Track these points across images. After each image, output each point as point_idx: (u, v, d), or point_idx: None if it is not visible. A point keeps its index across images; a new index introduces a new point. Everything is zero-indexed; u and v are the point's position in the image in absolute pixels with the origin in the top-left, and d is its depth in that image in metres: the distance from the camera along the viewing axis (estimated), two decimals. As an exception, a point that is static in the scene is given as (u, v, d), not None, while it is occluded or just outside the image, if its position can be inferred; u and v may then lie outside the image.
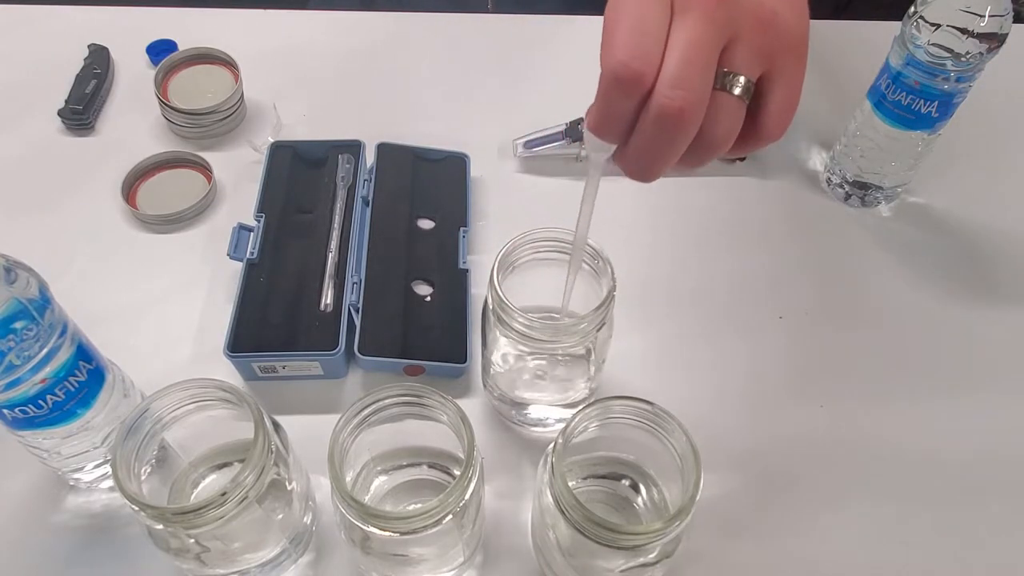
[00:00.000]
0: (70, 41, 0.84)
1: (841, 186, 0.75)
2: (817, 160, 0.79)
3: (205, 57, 0.82)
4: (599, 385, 0.60)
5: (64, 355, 0.48)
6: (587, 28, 0.91)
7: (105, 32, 0.87)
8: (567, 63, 0.87)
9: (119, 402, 0.54)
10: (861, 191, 0.74)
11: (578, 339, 0.52)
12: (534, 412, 0.60)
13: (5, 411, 0.48)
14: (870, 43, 0.76)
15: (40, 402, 0.48)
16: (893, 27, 0.71)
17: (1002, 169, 0.79)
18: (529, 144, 0.77)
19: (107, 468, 0.55)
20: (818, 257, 0.72)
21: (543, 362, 0.58)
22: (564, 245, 0.54)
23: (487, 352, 0.58)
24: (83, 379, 0.50)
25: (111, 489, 0.57)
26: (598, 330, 0.52)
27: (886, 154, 0.70)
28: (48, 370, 0.47)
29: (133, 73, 0.84)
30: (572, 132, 0.76)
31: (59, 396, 0.48)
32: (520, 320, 0.50)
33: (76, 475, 0.56)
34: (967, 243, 0.74)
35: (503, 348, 0.55)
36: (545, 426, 0.61)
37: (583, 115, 0.72)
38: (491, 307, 0.53)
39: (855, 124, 0.72)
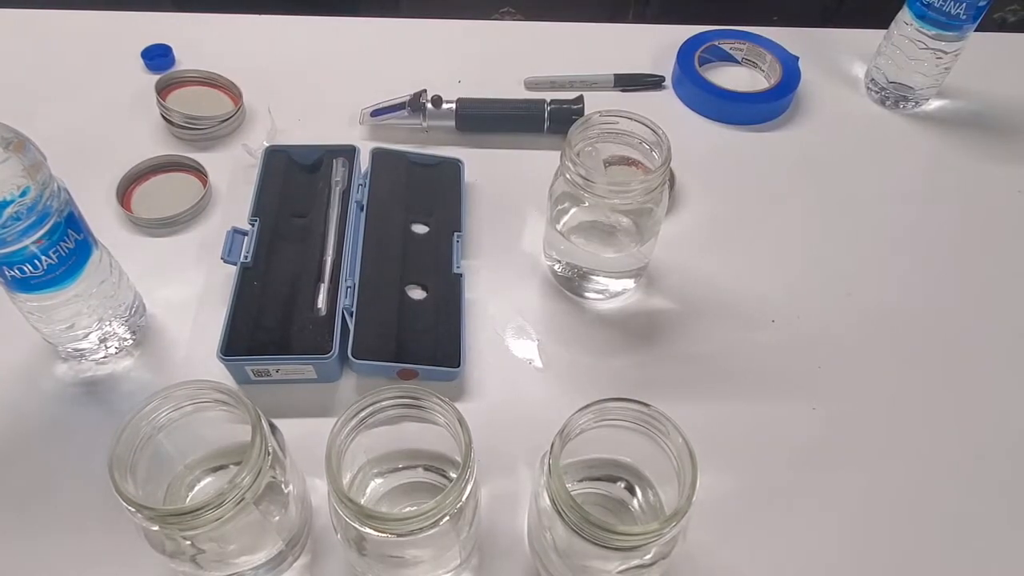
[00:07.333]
0: (67, 44, 0.84)
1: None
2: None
3: (208, 81, 0.82)
4: (649, 263, 0.69)
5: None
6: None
7: (100, 36, 0.87)
8: (568, 64, 0.88)
9: (106, 276, 0.59)
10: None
11: (645, 196, 0.60)
12: (594, 281, 0.67)
13: (5, 270, 0.53)
14: (855, 49, 0.78)
15: (36, 262, 0.53)
16: (878, 35, 0.72)
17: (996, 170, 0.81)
18: (375, 113, 0.79)
19: (96, 340, 0.62)
20: (811, 262, 0.73)
21: (605, 228, 0.67)
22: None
23: (551, 230, 0.66)
24: (72, 247, 0.55)
25: (101, 361, 0.63)
26: (661, 190, 0.61)
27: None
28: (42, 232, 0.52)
29: (128, 78, 0.84)
30: (413, 104, 0.78)
31: (52, 260, 0.54)
32: (602, 185, 0.59)
33: (69, 345, 0.61)
34: (958, 243, 0.75)
35: (573, 220, 0.65)
36: (603, 294, 0.69)
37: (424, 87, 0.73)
38: (570, 180, 0.60)
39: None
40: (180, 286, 0.68)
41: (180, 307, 0.67)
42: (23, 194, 0.49)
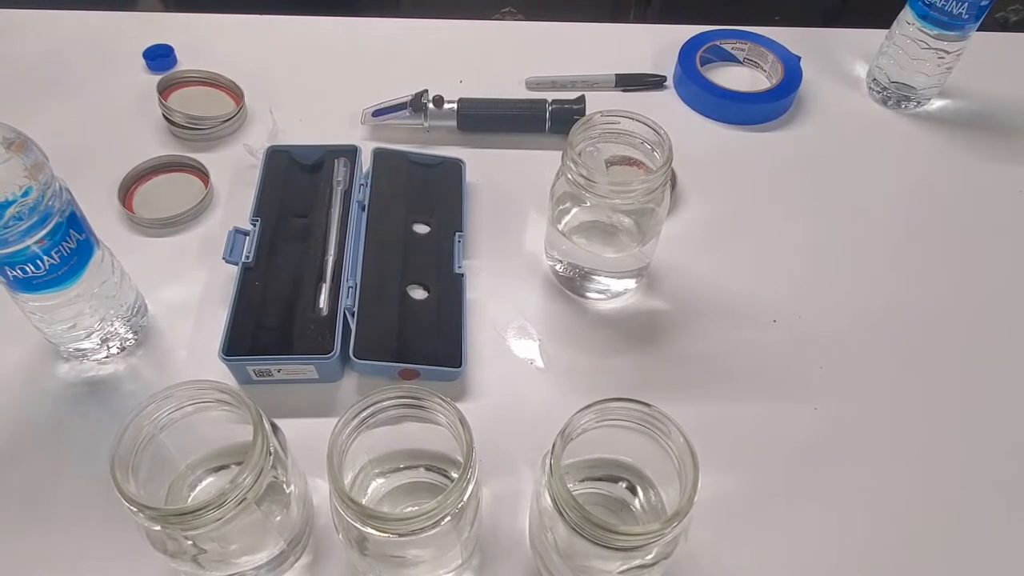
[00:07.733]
0: (68, 44, 0.84)
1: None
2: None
3: (209, 81, 0.82)
4: (650, 263, 0.69)
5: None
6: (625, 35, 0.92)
7: (101, 37, 0.87)
8: (569, 64, 0.88)
9: (108, 276, 0.59)
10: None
11: (647, 196, 0.60)
12: (595, 281, 0.68)
13: (7, 270, 0.53)
14: (857, 49, 0.77)
15: (38, 263, 0.53)
16: (880, 35, 0.73)
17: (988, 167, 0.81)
18: (377, 113, 0.79)
19: (98, 340, 0.62)
20: (813, 262, 0.73)
21: (606, 228, 0.67)
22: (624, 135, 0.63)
23: (553, 230, 0.66)
24: (74, 247, 0.55)
25: (103, 361, 0.63)
26: (662, 190, 0.61)
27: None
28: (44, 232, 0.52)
29: (130, 78, 0.84)
30: (415, 104, 0.78)
31: (54, 260, 0.54)
32: (603, 185, 0.59)
33: (71, 345, 0.61)
34: (958, 243, 0.75)
35: (574, 220, 0.65)
36: (605, 295, 0.69)
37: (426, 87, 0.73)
38: (571, 181, 0.60)
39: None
40: (182, 286, 0.68)
41: (182, 307, 0.67)
42: (25, 194, 0.50)
